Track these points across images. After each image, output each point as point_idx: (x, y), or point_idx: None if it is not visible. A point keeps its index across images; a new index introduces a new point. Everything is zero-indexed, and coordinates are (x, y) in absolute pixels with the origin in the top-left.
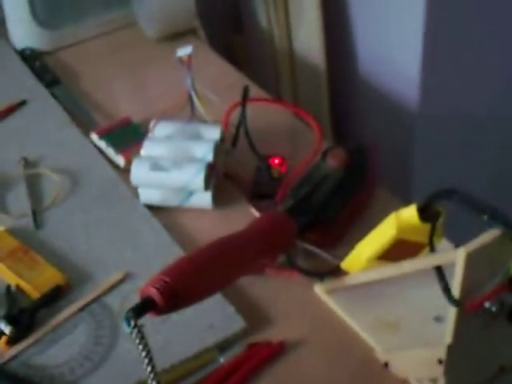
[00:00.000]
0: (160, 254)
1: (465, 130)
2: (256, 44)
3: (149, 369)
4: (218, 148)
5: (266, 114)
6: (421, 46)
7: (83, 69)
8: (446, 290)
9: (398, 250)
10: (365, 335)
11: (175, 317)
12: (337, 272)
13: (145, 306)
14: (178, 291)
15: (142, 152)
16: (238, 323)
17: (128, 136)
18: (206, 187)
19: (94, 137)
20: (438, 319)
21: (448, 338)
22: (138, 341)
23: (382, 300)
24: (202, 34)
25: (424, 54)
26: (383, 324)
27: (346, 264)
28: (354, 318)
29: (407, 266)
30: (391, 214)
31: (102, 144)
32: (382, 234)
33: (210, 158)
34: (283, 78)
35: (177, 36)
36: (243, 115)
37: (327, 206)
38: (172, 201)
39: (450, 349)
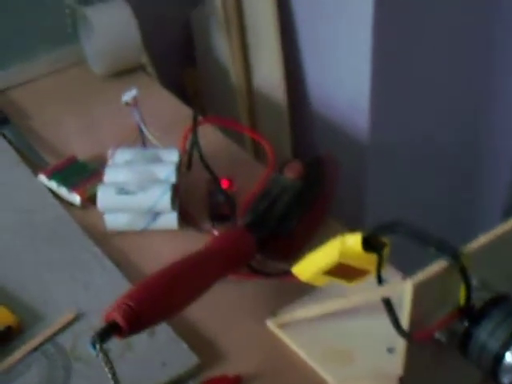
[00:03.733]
0: (112, 293)
1: (413, 157)
2: (211, 78)
3: None
4: (178, 170)
5: (210, 141)
6: (369, 80)
7: (33, 107)
8: (395, 321)
9: (342, 270)
10: (318, 367)
11: (128, 355)
12: (289, 275)
13: (109, 330)
14: (141, 314)
15: (105, 179)
16: (191, 359)
17: (77, 174)
18: (173, 207)
19: (43, 177)
20: (391, 350)
21: (399, 369)
22: (104, 363)
23: (334, 331)
24: (150, 69)
25: (372, 88)
26: (336, 355)
27: (296, 269)
28: (307, 351)
29: (356, 298)
30: (337, 238)
31: (53, 184)
32: (327, 254)
33: (173, 179)
34: (241, 112)
35: (126, 72)
36: (195, 139)
37: (286, 217)
38: (138, 224)
39: (402, 381)
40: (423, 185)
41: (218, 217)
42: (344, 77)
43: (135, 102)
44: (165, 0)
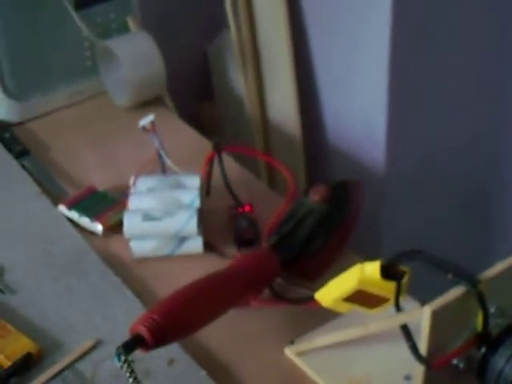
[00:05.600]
0: (131, 321)
1: (431, 189)
2: (228, 110)
3: None
4: (201, 195)
5: (227, 170)
6: (385, 111)
7: (53, 139)
8: (413, 348)
9: (361, 297)
10: None
11: (146, 382)
12: (311, 301)
13: (134, 343)
14: (165, 328)
15: (130, 206)
16: None
17: (98, 203)
18: (199, 232)
19: (63, 208)
20: (408, 378)
21: None
22: (128, 374)
23: (352, 359)
24: (168, 102)
25: (388, 119)
26: (354, 382)
27: (319, 295)
28: (325, 379)
29: (374, 326)
30: (356, 265)
31: (74, 214)
32: (346, 281)
33: (197, 203)
34: (256, 143)
35: (144, 104)
36: (221, 165)
37: (311, 240)
38: (164, 250)
39: None
40: (441, 216)
41: (243, 242)
42: (360, 108)
43: (153, 127)
44: (181, 33)
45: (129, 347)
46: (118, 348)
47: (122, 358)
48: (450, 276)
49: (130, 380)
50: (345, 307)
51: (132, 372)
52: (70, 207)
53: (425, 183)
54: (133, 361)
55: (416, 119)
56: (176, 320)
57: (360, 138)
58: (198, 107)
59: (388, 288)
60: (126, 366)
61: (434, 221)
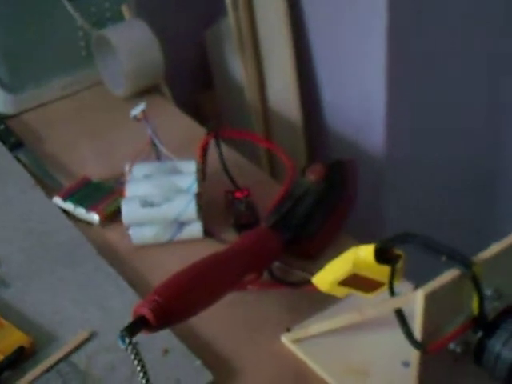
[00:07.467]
0: (126, 312)
1: (429, 171)
2: (227, 98)
3: (144, 382)
4: (198, 180)
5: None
6: (384, 95)
7: (47, 131)
8: (407, 332)
9: (357, 282)
10: (334, 382)
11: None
12: (309, 284)
13: (138, 325)
14: (168, 309)
15: (127, 193)
16: (205, 376)
17: (93, 193)
18: (198, 216)
19: (58, 200)
20: (406, 364)
21: (412, 382)
22: (133, 356)
23: (350, 346)
24: (166, 90)
25: (387, 103)
26: (352, 370)
27: (316, 279)
28: (322, 366)
29: (368, 311)
30: (351, 249)
31: (69, 205)
32: (341, 265)
33: (195, 188)
34: (257, 130)
35: (140, 94)
36: (218, 146)
37: (309, 219)
38: (164, 236)
39: None
40: (441, 199)
41: (242, 226)
42: (358, 93)
43: (145, 116)
44: (178, 20)
45: (133, 329)
46: (121, 330)
47: (127, 341)
48: (444, 259)
49: (135, 362)
50: (341, 291)
51: (137, 354)
52: (65, 198)
53: (424, 167)
54: (137, 343)
55: (415, 102)
56: (179, 301)
57: (359, 122)
58: (198, 96)
59: (383, 272)
60: (130, 348)
61: (434, 204)
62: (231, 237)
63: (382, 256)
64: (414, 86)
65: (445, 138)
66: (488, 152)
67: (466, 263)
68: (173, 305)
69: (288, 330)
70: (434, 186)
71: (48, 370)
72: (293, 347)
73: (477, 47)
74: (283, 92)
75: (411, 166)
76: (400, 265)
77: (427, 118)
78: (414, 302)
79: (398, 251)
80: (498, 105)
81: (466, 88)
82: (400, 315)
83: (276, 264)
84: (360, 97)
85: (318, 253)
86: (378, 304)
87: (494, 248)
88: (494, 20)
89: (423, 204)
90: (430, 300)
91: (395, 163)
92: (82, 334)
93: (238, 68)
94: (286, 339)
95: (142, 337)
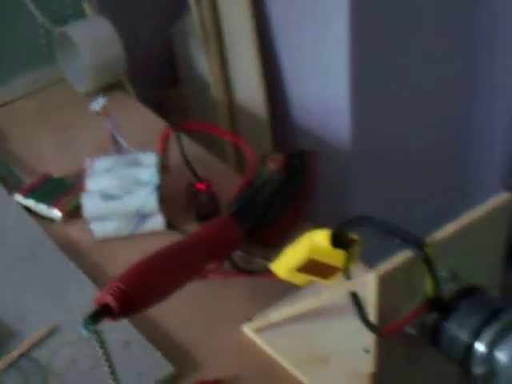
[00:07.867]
0: (87, 306)
1: (396, 164)
2: (193, 94)
3: (108, 370)
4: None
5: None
6: (348, 89)
7: (9, 129)
8: (362, 315)
9: (314, 267)
10: (295, 370)
11: (104, 367)
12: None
13: (101, 312)
14: (131, 295)
15: (88, 187)
16: (166, 368)
17: (54, 190)
18: (159, 208)
19: (19, 197)
20: (368, 351)
21: (371, 366)
22: (97, 344)
23: (312, 334)
24: (128, 86)
25: (352, 97)
26: (313, 358)
27: (275, 266)
28: (283, 354)
29: (324, 296)
30: (306, 234)
31: (31, 202)
32: (297, 251)
33: (155, 180)
34: (222, 126)
35: (105, 90)
36: (179, 139)
37: (270, 207)
38: (126, 229)
39: (375, 377)
40: (408, 191)
41: (204, 217)
42: (323, 86)
43: (105, 111)
44: (143, 16)
45: (96, 317)
46: (85, 318)
47: (91, 329)
48: (397, 241)
49: (100, 350)
50: (300, 278)
51: (102, 342)
52: (26, 195)
53: (389, 157)
54: (101, 331)
55: (380, 95)
56: (141, 287)
57: (326, 116)
58: (164, 93)
59: (339, 257)
60: (95, 336)
61: (400, 194)
62: (193, 228)
63: (337, 241)
64: (378, 80)
65: (410, 128)
66: (459, 145)
67: (418, 244)
68: (136, 292)
69: (249, 319)
70: (400, 175)
71: (9, 366)
72: (254, 336)
73: (441, 28)
74: (248, 87)
75: (376, 156)
76: (356, 249)
77: (395, 109)
78: (368, 284)
79: (355, 236)
80: (472, 95)
81: (438, 78)
82: (355, 298)
83: (237, 253)
84: (324, 90)
85: (279, 241)
86: (332, 288)
87: (447, 229)
88: None
89: (389, 193)
90: (383, 281)
91: (360, 154)
92: (43, 330)
93: (204, 64)
94: (247, 328)
95: (102, 329)
